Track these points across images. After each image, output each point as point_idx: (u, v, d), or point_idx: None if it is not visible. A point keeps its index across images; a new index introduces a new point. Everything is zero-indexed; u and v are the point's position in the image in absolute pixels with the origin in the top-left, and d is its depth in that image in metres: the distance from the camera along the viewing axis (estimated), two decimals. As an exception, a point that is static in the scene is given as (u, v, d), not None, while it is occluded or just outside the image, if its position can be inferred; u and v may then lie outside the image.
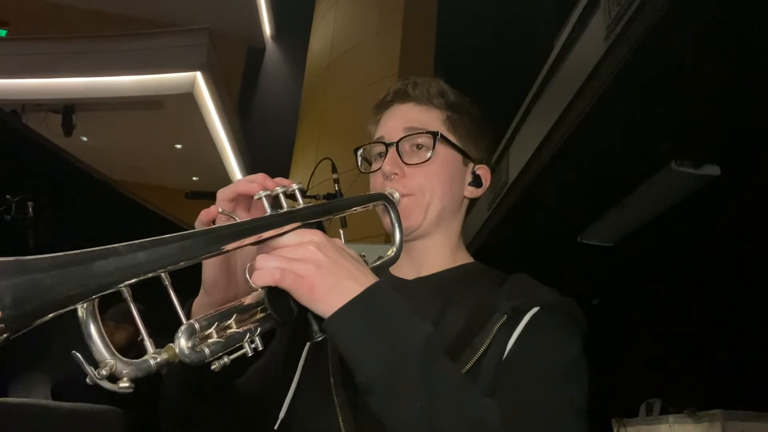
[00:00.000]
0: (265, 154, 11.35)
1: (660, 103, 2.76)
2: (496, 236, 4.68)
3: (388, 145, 0.83)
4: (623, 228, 3.93)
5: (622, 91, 2.70)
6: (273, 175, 0.67)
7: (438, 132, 0.82)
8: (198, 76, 8.97)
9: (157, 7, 11.35)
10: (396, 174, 0.81)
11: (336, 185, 1.98)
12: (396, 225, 0.76)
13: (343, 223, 1.98)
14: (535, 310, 0.71)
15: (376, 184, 0.84)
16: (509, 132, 4.38)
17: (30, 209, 2.46)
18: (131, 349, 2.52)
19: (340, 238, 0.66)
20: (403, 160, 0.82)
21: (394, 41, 7.55)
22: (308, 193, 1.95)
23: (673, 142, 3.00)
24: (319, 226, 0.64)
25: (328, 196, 1.99)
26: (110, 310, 2.54)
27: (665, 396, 3.57)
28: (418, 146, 0.82)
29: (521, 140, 4.11)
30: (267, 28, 12.96)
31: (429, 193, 0.82)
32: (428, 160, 0.81)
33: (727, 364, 4.29)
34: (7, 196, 2.47)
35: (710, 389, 3.96)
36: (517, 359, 0.68)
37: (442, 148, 0.83)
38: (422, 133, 0.82)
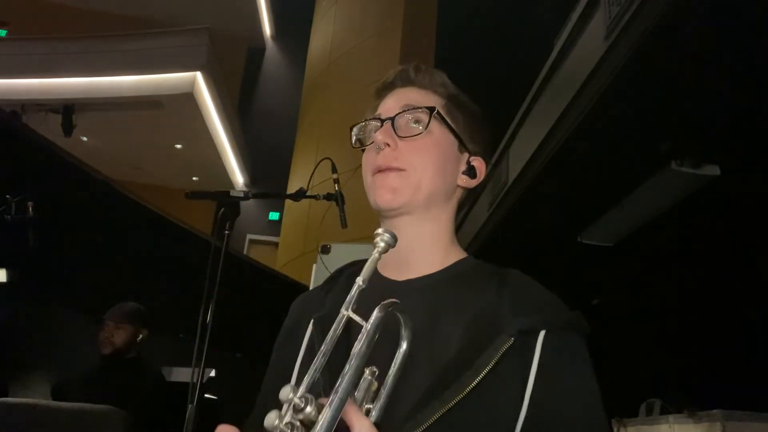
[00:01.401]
0: (265, 154, 11.36)
1: (660, 103, 2.76)
2: (496, 236, 4.68)
3: (383, 121, 0.82)
4: (623, 228, 3.93)
5: (622, 91, 2.70)
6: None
7: (434, 107, 0.81)
8: (198, 76, 8.98)
9: (157, 7, 11.36)
10: (388, 145, 0.79)
11: (336, 185, 1.99)
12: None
13: (343, 224, 1.99)
14: (543, 333, 0.69)
15: (369, 159, 0.82)
16: (509, 132, 4.37)
17: (30, 209, 2.46)
18: (131, 348, 2.53)
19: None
20: (397, 134, 0.80)
21: (394, 41, 7.55)
22: (308, 193, 1.95)
23: (673, 142, 3.00)
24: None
25: (328, 196, 1.99)
26: (109, 310, 2.54)
27: (665, 396, 3.57)
28: (414, 122, 0.81)
29: (521, 140, 4.11)
30: (267, 28, 12.98)
31: (420, 170, 0.79)
32: (421, 133, 0.80)
33: (727, 364, 4.29)
34: (7, 196, 2.47)
35: (710, 389, 3.96)
36: (547, 419, 0.66)
37: (437, 128, 0.81)
38: (418, 108, 0.81)
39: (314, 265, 3.38)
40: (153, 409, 2.35)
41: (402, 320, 0.64)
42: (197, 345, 1.57)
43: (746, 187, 3.29)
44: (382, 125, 0.82)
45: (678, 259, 4.31)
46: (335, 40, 8.64)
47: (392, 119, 0.81)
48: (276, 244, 9.45)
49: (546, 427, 0.66)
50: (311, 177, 1.95)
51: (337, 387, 0.54)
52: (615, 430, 3.66)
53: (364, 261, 0.87)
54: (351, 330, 0.70)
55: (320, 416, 0.52)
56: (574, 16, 3.16)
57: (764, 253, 3.81)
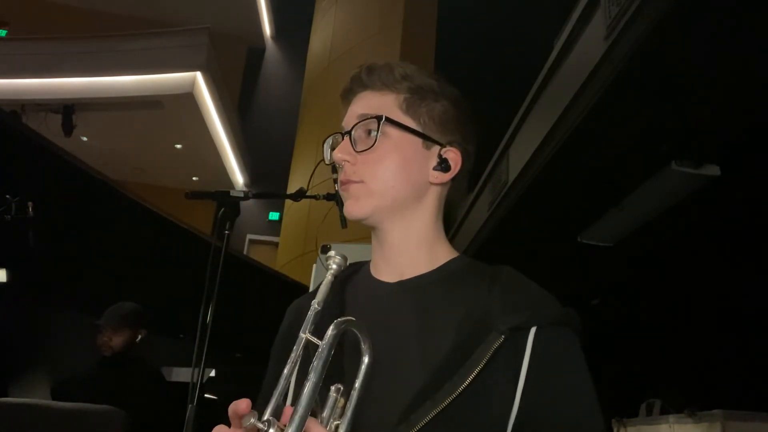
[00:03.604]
0: (265, 154, 11.37)
1: (660, 103, 2.76)
2: (496, 236, 4.68)
3: (344, 134, 0.82)
4: (623, 228, 3.93)
5: (622, 91, 2.70)
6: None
7: (382, 115, 0.78)
8: (198, 76, 8.98)
9: (157, 7, 11.37)
10: (347, 161, 0.80)
11: (336, 185, 1.98)
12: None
13: (343, 224, 1.98)
14: (534, 330, 0.69)
15: (339, 174, 0.83)
16: (509, 132, 4.37)
17: (30, 209, 2.47)
18: (129, 351, 2.52)
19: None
20: (354, 148, 0.80)
21: (394, 41, 7.56)
22: (308, 193, 1.95)
23: (673, 142, 3.00)
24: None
25: (328, 196, 1.99)
26: (105, 314, 2.53)
27: (665, 396, 3.57)
28: (370, 131, 0.79)
29: (521, 140, 4.11)
30: (267, 28, 12.98)
31: (380, 179, 0.78)
32: (373, 145, 0.78)
33: (727, 364, 4.29)
34: (7, 196, 2.47)
35: (710, 389, 3.97)
36: (540, 414, 0.66)
37: (393, 132, 0.79)
38: (370, 118, 0.79)
39: (314, 265, 3.37)
40: (153, 409, 2.35)
41: (360, 335, 0.65)
42: (197, 345, 1.57)
43: (746, 187, 3.29)
44: (343, 138, 0.82)
45: (678, 259, 4.31)
46: (335, 40, 8.64)
47: (349, 133, 0.81)
48: (276, 244, 9.45)
49: (538, 423, 0.66)
50: (311, 177, 1.95)
51: (296, 406, 0.56)
52: (615, 430, 3.66)
53: (360, 263, 0.88)
54: (344, 346, 0.71)
55: None
56: (574, 16, 3.16)
57: (764, 252, 3.81)
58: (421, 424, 0.64)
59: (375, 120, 0.79)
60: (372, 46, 7.77)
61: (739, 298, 4.32)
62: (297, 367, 0.68)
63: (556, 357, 0.69)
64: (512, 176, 4.11)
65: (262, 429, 0.54)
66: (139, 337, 2.54)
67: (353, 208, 0.79)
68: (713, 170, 3.11)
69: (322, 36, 9.25)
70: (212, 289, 1.63)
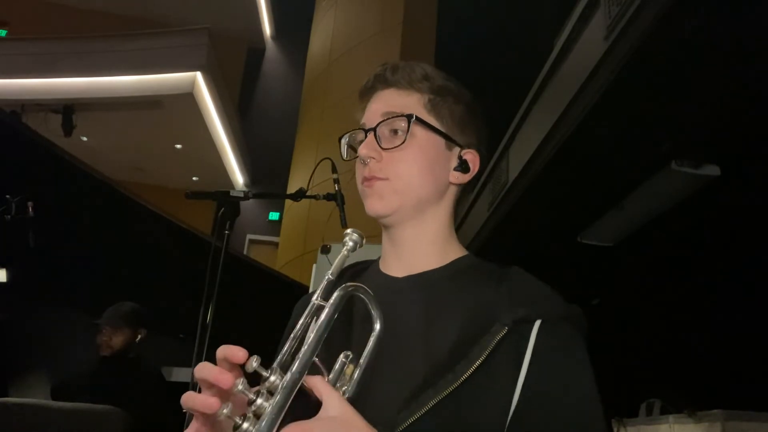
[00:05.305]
0: (265, 154, 11.37)
1: (660, 103, 2.76)
2: (496, 236, 4.68)
3: (367, 131, 0.82)
4: (623, 228, 3.93)
5: (622, 91, 2.70)
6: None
7: (412, 114, 0.79)
8: (198, 76, 8.98)
9: (157, 7, 11.37)
10: (373, 158, 0.79)
11: (336, 185, 1.99)
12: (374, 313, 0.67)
13: (344, 224, 1.98)
14: (539, 323, 0.69)
15: (358, 170, 0.83)
16: (509, 132, 4.37)
17: (30, 209, 2.47)
18: (129, 350, 2.53)
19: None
20: (380, 145, 0.80)
21: (394, 41, 7.56)
22: (308, 193, 1.96)
23: (673, 142, 3.00)
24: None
25: (328, 197, 1.99)
26: (105, 313, 2.53)
27: (665, 396, 3.57)
28: (396, 131, 0.80)
29: (521, 140, 4.11)
30: (267, 28, 12.98)
31: (406, 178, 0.79)
32: (403, 143, 0.79)
33: (727, 364, 4.29)
34: (7, 196, 2.48)
35: (710, 389, 3.96)
36: (539, 404, 0.66)
37: (420, 132, 0.80)
38: (398, 116, 0.80)
39: (314, 265, 3.38)
40: (153, 409, 2.35)
41: (370, 303, 0.66)
42: (197, 345, 1.57)
43: (746, 187, 3.29)
44: (366, 135, 0.82)
45: (678, 259, 4.31)
46: (335, 40, 8.64)
47: (374, 130, 0.80)
48: (276, 244, 9.45)
49: (537, 414, 0.66)
50: (311, 177, 1.95)
51: (300, 354, 0.59)
52: (615, 430, 3.66)
53: (365, 262, 0.88)
54: (353, 317, 0.75)
55: (283, 379, 0.57)
56: (574, 16, 3.16)
57: (764, 252, 3.81)
58: (422, 411, 0.65)
59: (403, 118, 0.80)
60: (372, 46, 7.77)
61: (739, 298, 4.32)
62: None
63: (559, 351, 0.69)
64: (512, 176, 4.11)
65: (265, 375, 0.57)
66: (139, 336, 2.54)
67: (377, 205, 0.80)
68: (713, 170, 3.11)
69: (322, 36, 9.25)
70: (212, 289, 1.63)
